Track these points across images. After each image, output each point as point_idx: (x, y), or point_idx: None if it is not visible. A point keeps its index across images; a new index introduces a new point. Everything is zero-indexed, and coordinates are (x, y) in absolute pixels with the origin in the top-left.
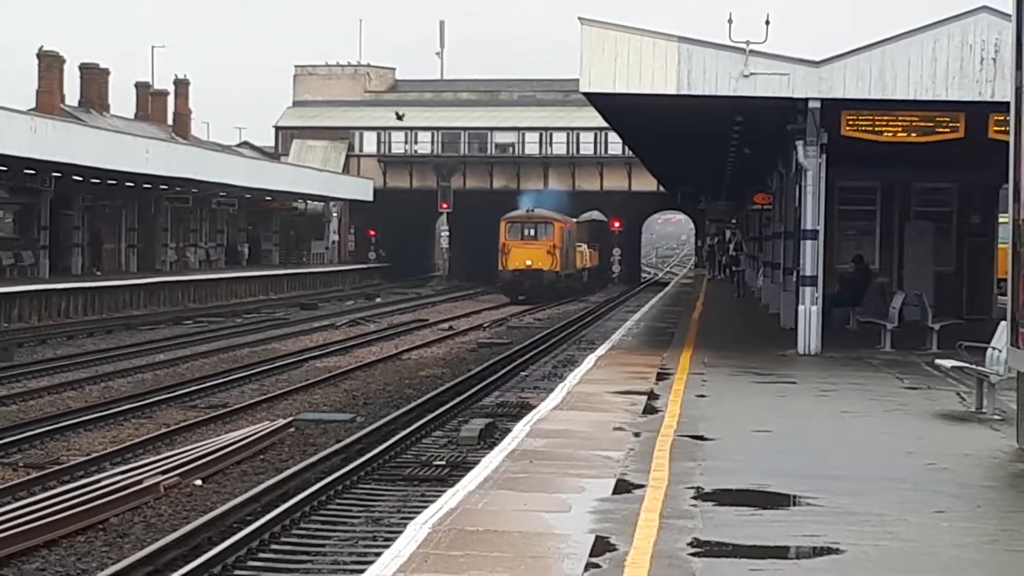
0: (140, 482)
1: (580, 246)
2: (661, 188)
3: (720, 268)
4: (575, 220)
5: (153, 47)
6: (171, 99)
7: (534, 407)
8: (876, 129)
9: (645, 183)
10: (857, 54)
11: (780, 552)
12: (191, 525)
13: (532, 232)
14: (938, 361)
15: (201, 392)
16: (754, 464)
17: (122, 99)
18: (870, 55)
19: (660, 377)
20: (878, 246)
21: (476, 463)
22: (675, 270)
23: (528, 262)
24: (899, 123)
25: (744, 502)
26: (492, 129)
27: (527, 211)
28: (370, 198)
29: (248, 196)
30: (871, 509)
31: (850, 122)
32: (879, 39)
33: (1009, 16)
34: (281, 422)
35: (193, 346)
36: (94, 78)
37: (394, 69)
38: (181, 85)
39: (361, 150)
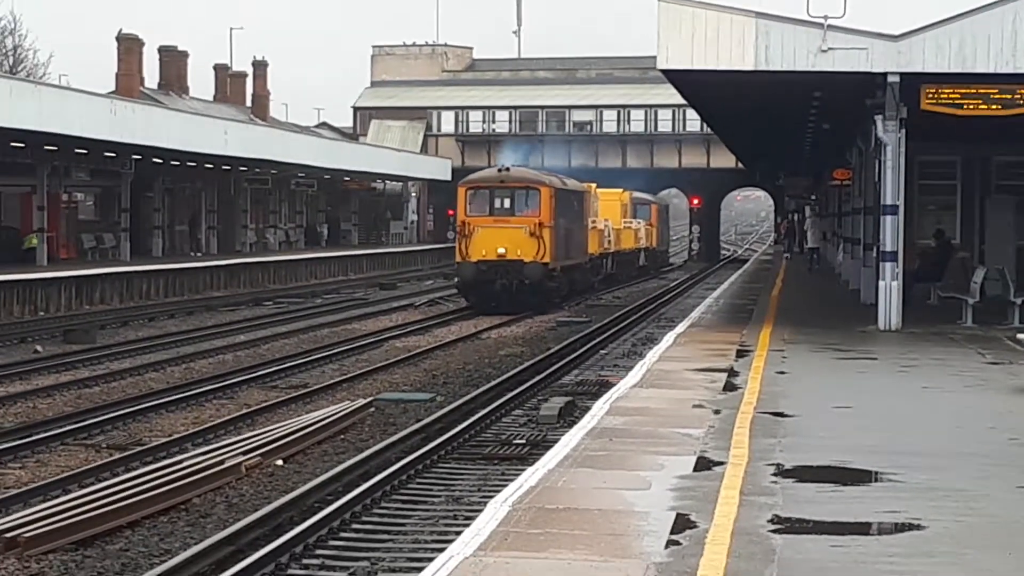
0: (222, 462)
1: (598, 222)
2: (740, 165)
3: (793, 247)
4: (593, 185)
5: (231, 29)
6: (249, 81)
7: (613, 385)
8: (956, 103)
9: (724, 160)
10: (936, 28)
11: (861, 528)
12: (273, 505)
13: (506, 203)
14: (1020, 336)
15: (281, 373)
16: (834, 440)
17: (201, 81)
18: (949, 28)
19: (740, 354)
20: (959, 221)
21: (556, 441)
22: (754, 247)
23: (500, 250)
24: (979, 97)
25: (825, 479)
26: (570, 107)
27: (499, 170)
28: (448, 177)
29: (327, 177)
30: (953, 485)
31: (930, 96)
32: (958, 12)
33: None
34: (361, 402)
35: (273, 327)
36: (173, 60)
37: (471, 48)
38: (259, 67)
39: (439, 129)
